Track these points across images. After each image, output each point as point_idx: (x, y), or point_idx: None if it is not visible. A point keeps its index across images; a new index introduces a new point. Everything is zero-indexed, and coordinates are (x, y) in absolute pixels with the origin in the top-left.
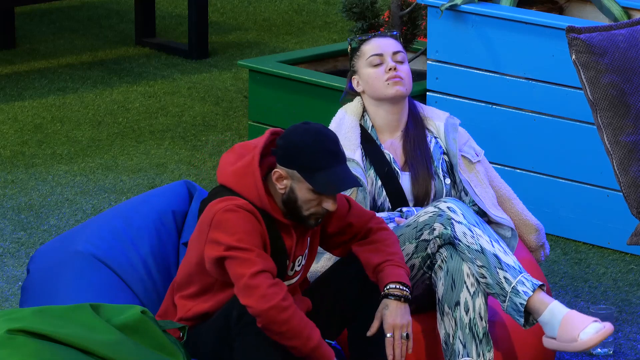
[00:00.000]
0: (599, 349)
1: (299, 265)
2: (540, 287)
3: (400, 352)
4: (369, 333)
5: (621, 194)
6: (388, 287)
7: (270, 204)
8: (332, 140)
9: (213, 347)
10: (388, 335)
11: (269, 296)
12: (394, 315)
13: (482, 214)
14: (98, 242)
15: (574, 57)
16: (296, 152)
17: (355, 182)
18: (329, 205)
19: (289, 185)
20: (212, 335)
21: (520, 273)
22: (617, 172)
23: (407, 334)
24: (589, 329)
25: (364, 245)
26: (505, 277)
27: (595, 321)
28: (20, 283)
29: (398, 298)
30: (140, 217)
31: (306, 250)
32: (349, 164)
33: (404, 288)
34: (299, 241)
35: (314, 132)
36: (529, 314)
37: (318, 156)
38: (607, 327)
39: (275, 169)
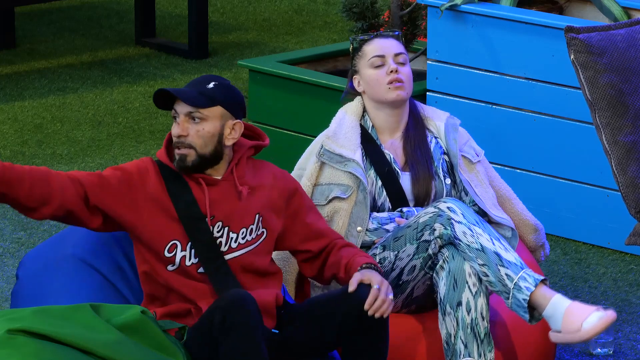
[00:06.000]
0: (598, 349)
1: (242, 238)
2: (543, 281)
3: (380, 304)
4: (350, 289)
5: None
6: (363, 266)
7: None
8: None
9: (199, 351)
10: (375, 286)
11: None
12: (380, 277)
13: (482, 214)
14: (86, 246)
15: (572, 57)
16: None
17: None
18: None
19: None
20: (197, 339)
21: (522, 269)
22: (616, 172)
23: (391, 298)
24: (591, 318)
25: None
26: (507, 274)
27: (597, 310)
28: None
29: (377, 269)
30: None
31: (252, 225)
32: (349, 163)
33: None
34: (223, 202)
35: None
36: (534, 309)
37: None
38: (609, 314)
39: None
